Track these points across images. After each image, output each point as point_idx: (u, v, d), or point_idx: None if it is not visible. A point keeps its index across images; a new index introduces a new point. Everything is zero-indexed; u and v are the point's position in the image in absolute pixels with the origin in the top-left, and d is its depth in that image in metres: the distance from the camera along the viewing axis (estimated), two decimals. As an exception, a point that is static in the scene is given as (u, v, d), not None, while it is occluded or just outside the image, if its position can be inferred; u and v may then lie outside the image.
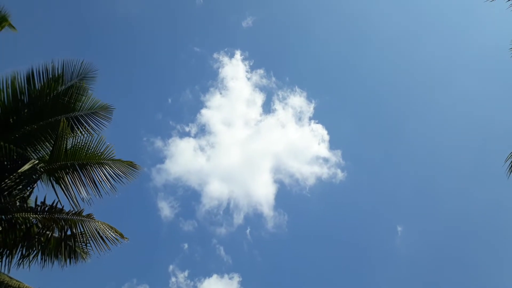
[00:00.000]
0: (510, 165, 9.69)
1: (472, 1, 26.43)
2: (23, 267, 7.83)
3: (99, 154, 8.64)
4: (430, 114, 28.04)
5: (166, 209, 24.68)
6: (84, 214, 8.27)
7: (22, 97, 8.40)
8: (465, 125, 26.92)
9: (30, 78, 8.46)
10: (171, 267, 23.34)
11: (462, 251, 24.13)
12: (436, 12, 28.78)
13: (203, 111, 27.18)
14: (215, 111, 27.40)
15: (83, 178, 8.63)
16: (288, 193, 26.32)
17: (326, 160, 26.14)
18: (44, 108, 8.64)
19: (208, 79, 28.60)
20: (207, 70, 28.63)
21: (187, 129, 26.73)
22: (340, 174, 25.76)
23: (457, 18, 28.46)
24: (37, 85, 8.51)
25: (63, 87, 8.72)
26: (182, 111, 28.45)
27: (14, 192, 7.74)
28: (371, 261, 24.76)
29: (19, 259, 7.75)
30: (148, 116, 28.05)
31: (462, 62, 28.28)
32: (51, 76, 8.57)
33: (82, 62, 8.80)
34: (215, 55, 27.72)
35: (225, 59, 27.45)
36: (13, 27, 8.88)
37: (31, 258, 7.86)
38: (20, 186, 7.86)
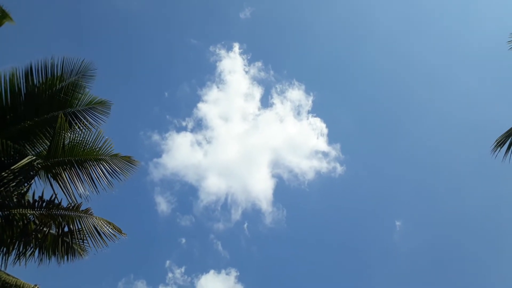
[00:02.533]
0: (497, 146, 9.78)
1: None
2: (20, 264, 7.88)
3: (97, 149, 8.64)
4: (429, 108, 28.01)
5: (163, 204, 24.70)
6: (81, 209, 8.28)
7: (20, 94, 8.39)
8: (464, 120, 26.89)
9: (28, 74, 8.44)
10: (168, 262, 23.41)
11: (460, 246, 24.21)
12: (437, 6, 28.60)
13: (201, 105, 27.08)
14: (212, 105, 27.30)
15: (80, 174, 8.63)
16: (286, 188, 26.34)
17: (325, 154, 26.13)
18: (42, 105, 8.64)
19: (206, 73, 28.49)
20: (204, 63, 28.51)
21: (184, 123, 26.66)
22: (339, 168, 25.76)
23: (457, 12, 28.28)
24: (36, 82, 8.50)
25: (61, 84, 8.71)
26: (179, 105, 28.36)
27: (11, 188, 7.75)
28: (370, 256, 24.86)
29: (16, 256, 7.78)
30: (145, 109, 27.97)
31: (461, 56, 28.22)
32: (50, 73, 8.57)
33: (82, 61, 8.83)
34: (212, 48, 27.59)
35: (223, 52, 27.31)
36: (11, 19, 8.82)
37: (28, 255, 7.90)
38: (17, 182, 7.87)
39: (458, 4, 28.27)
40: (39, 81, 8.52)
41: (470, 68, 27.33)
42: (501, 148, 9.72)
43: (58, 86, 8.70)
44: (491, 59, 25.82)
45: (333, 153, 26.04)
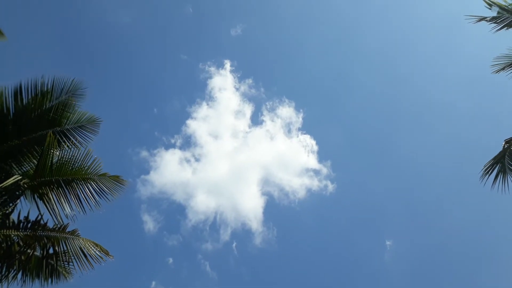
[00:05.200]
0: (485, 172, 9.88)
1: (457, 21, 26.96)
2: (2, 287, 7.65)
3: (85, 168, 8.55)
4: (419, 126, 28.29)
5: (150, 223, 24.28)
6: (68, 230, 8.14)
7: (8, 113, 8.34)
8: (455, 138, 27.15)
9: (17, 93, 8.41)
10: (153, 283, 22.86)
11: (452, 266, 24.16)
12: (423, 27, 29.29)
13: (190, 122, 27.00)
14: (202, 122, 27.25)
15: (67, 194, 8.51)
16: (277, 206, 26.16)
17: (316, 171, 26.11)
18: (30, 123, 8.57)
19: (196, 89, 28.54)
20: (194, 80, 28.57)
21: (172, 140, 26.47)
22: (330, 186, 25.74)
23: (444, 35, 28.92)
24: (25, 101, 8.46)
25: (51, 103, 8.68)
26: (168, 121, 28.25)
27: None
28: (360, 276, 24.65)
29: (-2, 279, 7.59)
30: (133, 126, 27.77)
31: (449, 76, 28.63)
32: (39, 92, 8.54)
33: (72, 80, 8.82)
34: (203, 65, 27.70)
35: (213, 69, 27.44)
36: (4, 36, 8.79)
37: (10, 278, 7.70)
38: (2, 202, 7.73)
39: (445, 27, 28.94)
40: (28, 100, 8.46)
41: (457, 88, 27.82)
42: (489, 175, 9.80)
43: (47, 105, 8.66)
44: (479, 80, 26.30)
45: (324, 170, 26.05)
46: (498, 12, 10.03)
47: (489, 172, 9.75)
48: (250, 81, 27.85)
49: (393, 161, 27.97)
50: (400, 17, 29.99)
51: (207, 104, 27.38)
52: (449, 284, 23.42)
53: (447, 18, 28.95)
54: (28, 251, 7.69)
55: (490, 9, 10.18)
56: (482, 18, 10.09)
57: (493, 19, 10.09)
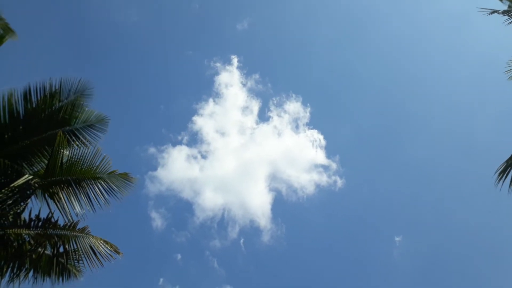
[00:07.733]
0: (499, 177, 9.77)
1: (469, 16, 26.58)
2: (14, 286, 7.79)
3: (95, 167, 8.64)
4: (429, 122, 28.02)
5: (158, 220, 24.39)
6: (78, 227, 8.24)
7: (18, 114, 8.45)
8: (464, 136, 26.88)
9: (27, 94, 8.52)
10: (161, 280, 22.98)
11: (462, 263, 23.97)
12: (434, 22, 28.95)
13: (196, 118, 27.01)
14: (208, 118, 27.24)
15: (77, 193, 8.62)
16: (285, 202, 26.09)
17: (324, 167, 25.99)
18: (40, 124, 8.68)
19: (202, 86, 28.51)
20: (201, 76, 28.54)
21: (179, 137, 26.52)
22: (339, 182, 25.60)
23: (455, 31, 28.56)
24: (34, 102, 8.56)
25: (60, 103, 8.78)
26: (175, 118, 28.26)
27: (7, 207, 7.73)
28: (369, 273, 24.56)
29: (10, 278, 7.71)
30: (140, 123, 27.87)
31: (458, 74, 28.28)
32: (48, 93, 8.63)
33: (79, 80, 8.92)
34: (209, 61, 27.65)
35: (219, 65, 27.37)
36: (14, 34, 8.88)
37: (22, 276, 7.83)
38: (13, 201, 7.85)
39: (454, 25, 28.56)
40: (37, 101, 8.57)
41: (466, 87, 27.49)
42: (504, 179, 9.62)
43: (56, 105, 8.76)
44: (485, 80, 25.97)
45: (333, 166, 25.89)
46: (509, 6, 10.03)
47: (503, 175, 9.57)
48: (257, 76, 27.73)
49: (402, 156, 27.75)
50: (410, 12, 29.71)
51: (214, 101, 27.38)
52: (458, 281, 23.26)
53: (456, 16, 28.63)
54: (39, 249, 7.79)
55: (501, 1, 10.25)
56: (494, 11, 10.16)
57: (505, 12, 10.13)
